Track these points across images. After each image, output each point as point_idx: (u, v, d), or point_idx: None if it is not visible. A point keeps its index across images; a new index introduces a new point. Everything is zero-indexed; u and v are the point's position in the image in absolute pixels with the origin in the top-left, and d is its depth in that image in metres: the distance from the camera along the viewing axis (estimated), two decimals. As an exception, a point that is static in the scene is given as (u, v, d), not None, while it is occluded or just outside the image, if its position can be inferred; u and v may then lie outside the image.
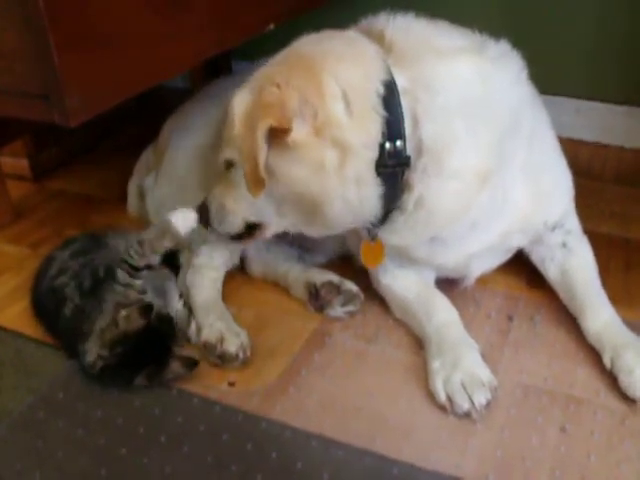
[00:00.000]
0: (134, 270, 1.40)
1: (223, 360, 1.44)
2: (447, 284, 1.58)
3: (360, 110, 1.23)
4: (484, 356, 1.38)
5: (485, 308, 1.59)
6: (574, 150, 2.19)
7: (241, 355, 1.44)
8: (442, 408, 1.32)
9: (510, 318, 1.56)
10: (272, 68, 1.29)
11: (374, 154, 1.25)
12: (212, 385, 1.41)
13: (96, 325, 1.36)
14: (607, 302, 1.47)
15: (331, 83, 1.23)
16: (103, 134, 2.57)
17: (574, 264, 1.54)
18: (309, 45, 1.32)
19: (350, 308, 1.58)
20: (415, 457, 1.23)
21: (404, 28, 1.31)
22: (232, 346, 1.44)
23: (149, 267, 1.42)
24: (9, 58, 1.16)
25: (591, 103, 2.29)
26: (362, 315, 1.59)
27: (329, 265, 1.73)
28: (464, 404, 1.28)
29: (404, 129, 1.25)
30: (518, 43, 1.36)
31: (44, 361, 1.48)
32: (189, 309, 1.55)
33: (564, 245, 1.55)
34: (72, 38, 1.12)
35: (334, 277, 1.61)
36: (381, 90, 1.24)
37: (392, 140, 1.25)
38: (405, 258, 1.51)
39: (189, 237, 1.48)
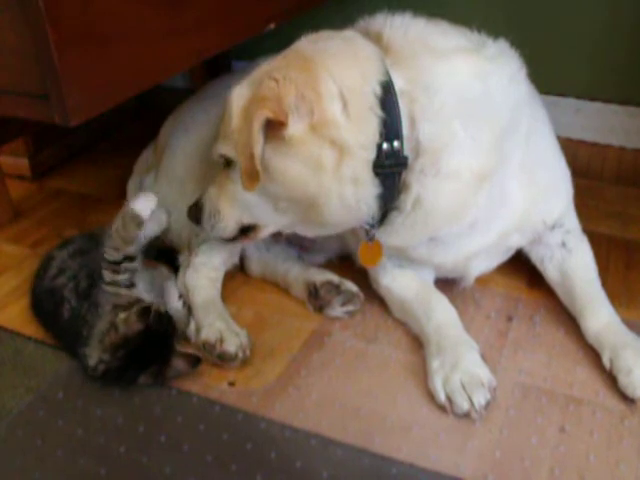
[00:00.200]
0: (115, 264, 1.40)
1: (222, 360, 1.44)
2: (446, 284, 1.58)
3: (357, 110, 1.23)
4: (483, 356, 1.38)
5: (485, 308, 1.59)
6: (574, 150, 2.20)
7: (240, 355, 1.44)
8: (441, 408, 1.32)
9: (509, 318, 1.56)
10: (271, 65, 1.29)
11: (371, 154, 1.25)
12: (212, 385, 1.41)
13: (95, 329, 1.36)
14: (607, 302, 1.47)
15: (328, 83, 1.23)
16: (103, 134, 2.57)
17: (573, 264, 1.54)
18: (308, 45, 1.32)
19: (350, 308, 1.58)
20: (414, 457, 1.23)
21: (402, 28, 1.31)
22: (231, 346, 1.44)
23: (129, 258, 1.42)
24: (9, 57, 1.16)
25: (591, 103, 2.29)
26: (362, 315, 1.59)
27: (328, 265, 1.73)
28: (464, 404, 1.28)
29: (401, 129, 1.26)
30: (519, 43, 1.36)
31: (44, 360, 1.48)
32: (188, 309, 1.55)
33: (563, 245, 1.55)
34: (72, 37, 1.12)
35: (334, 277, 1.61)
36: (378, 90, 1.24)
37: (389, 140, 1.25)
38: (404, 258, 1.51)
39: (153, 222, 1.49)
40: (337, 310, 1.58)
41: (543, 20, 2.23)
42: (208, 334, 1.46)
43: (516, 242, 1.54)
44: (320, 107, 1.22)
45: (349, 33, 1.34)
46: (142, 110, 2.69)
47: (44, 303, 1.52)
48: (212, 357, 1.44)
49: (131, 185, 1.98)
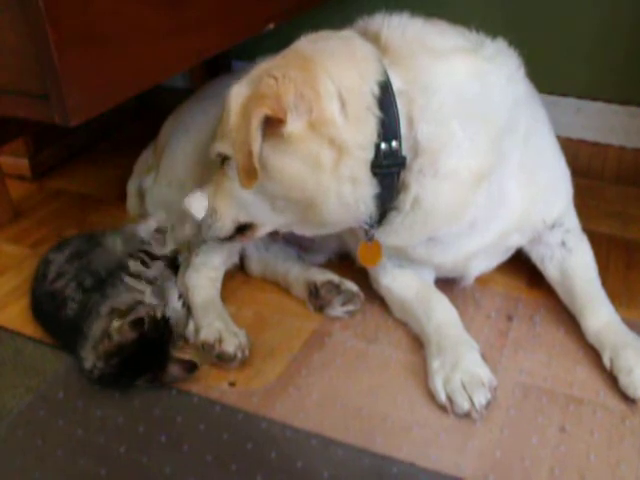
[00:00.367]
0: (151, 259, 1.40)
1: (221, 360, 1.44)
2: (446, 284, 1.58)
3: (355, 110, 1.23)
4: (484, 356, 1.38)
5: (485, 308, 1.59)
6: (574, 150, 2.20)
7: (239, 355, 1.44)
8: (442, 408, 1.32)
9: (510, 318, 1.56)
10: (270, 64, 1.29)
11: (370, 154, 1.25)
12: (212, 385, 1.41)
13: (91, 333, 1.37)
14: (607, 301, 1.47)
15: (327, 82, 1.23)
16: (103, 134, 2.57)
17: (573, 263, 1.54)
18: (307, 45, 1.32)
19: (350, 308, 1.58)
20: (415, 456, 1.23)
21: (399, 28, 1.31)
22: (230, 346, 1.44)
23: (165, 257, 1.42)
24: (9, 57, 1.16)
25: (591, 103, 2.29)
26: (362, 315, 1.59)
27: (328, 265, 1.73)
28: (464, 404, 1.28)
29: (399, 129, 1.25)
30: (518, 43, 1.36)
31: (44, 360, 1.48)
32: (188, 309, 1.55)
33: (563, 244, 1.55)
34: (72, 37, 1.11)
35: (334, 277, 1.61)
36: (376, 90, 1.24)
37: (387, 140, 1.25)
38: (404, 258, 1.51)
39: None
40: (337, 310, 1.58)
41: (542, 20, 2.23)
42: (207, 334, 1.46)
43: (516, 242, 1.54)
44: (319, 106, 1.22)
45: (347, 33, 1.34)
46: (142, 110, 2.69)
47: (45, 306, 1.52)
48: (211, 357, 1.44)
49: (131, 185, 1.98)
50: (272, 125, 1.21)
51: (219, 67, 2.70)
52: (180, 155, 1.71)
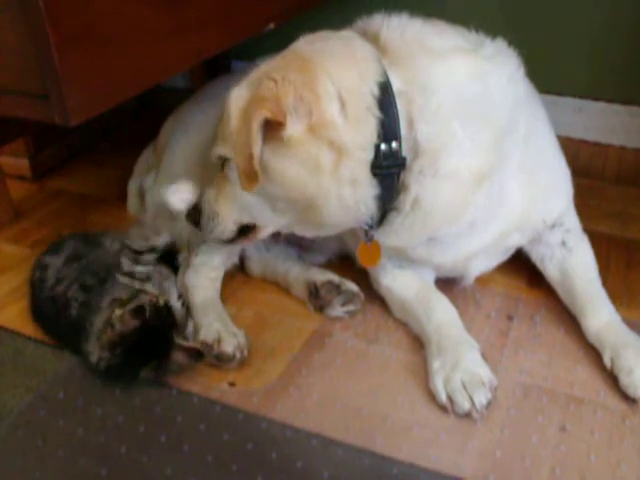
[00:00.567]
0: (137, 254, 1.40)
1: (220, 360, 1.44)
2: (447, 284, 1.58)
3: (355, 111, 1.23)
4: (484, 356, 1.38)
5: (485, 308, 1.59)
6: (575, 150, 2.20)
7: (238, 355, 1.44)
8: (442, 408, 1.32)
9: (510, 318, 1.56)
10: (270, 66, 1.29)
11: (369, 155, 1.25)
12: (212, 385, 1.41)
13: (94, 325, 1.36)
14: (607, 301, 1.47)
15: (327, 84, 1.23)
16: (103, 134, 2.57)
17: (574, 263, 1.54)
18: (306, 45, 1.32)
19: (350, 308, 1.58)
20: (415, 456, 1.23)
21: (399, 28, 1.31)
22: (229, 346, 1.44)
23: (152, 250, 1.42)
24: (9, 57, 1.16)
25: (591, 103, 2.29)
26: (362, 315, 1.59)
27: (329, 265, 1.73)
28: (465, 404, 1.28)
29: (399, 130, 1.25)
30: (518, 43, 1.36)
31: (44, 360, 1.48)
32: (187, 309, 1.55)
33: (564, 244, 1.55)
34: (72, 37, 1.11)
35: (334, 277, 1.61)
36: (376, 91, 1.23)
37: (387, 141, 1.25)
38: (404, 258, 1.51)
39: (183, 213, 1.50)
40: (338, 310, 1.58)
41: (542, 19, 2.23)
42: (206, 335, 1.46)
43: (516, 241, 1.54)
44: (318, 108, 1.21)
45: (347, 33, 1.34)
46: (142, 110, 2.69)
47: (46, 311, 1.51)
48: (210, 358, 1.44)
49: (131, 185, 1.98)
50: (272, 128, 1.21)
51: (219, 67, 2.71)
52: (180, 155, 1.71)
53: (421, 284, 1.54)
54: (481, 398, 1.28)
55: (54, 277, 1.51)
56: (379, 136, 1.24)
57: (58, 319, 1.46)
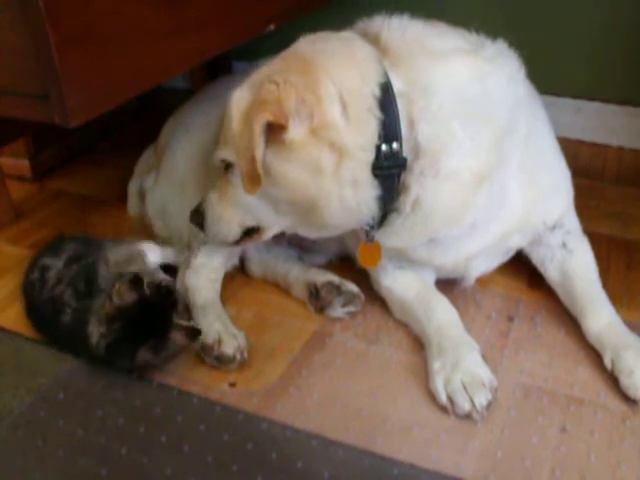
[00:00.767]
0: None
1: (220, 362, 1.44)
2: (447, 285, 1.58)
3: (356, 112, 1.23)
4: (484, 356, 1.38)
5: (485, 309, 1.59)
6: (574, 150, 2.20)
7: (238, 357, 1.44)
8: (442, 408, 1.32)
9: (510, 319, 1.56)
10: (271, 68, 1.29)
11: (370, 156, 1.25)
12: (212, 385, 1.41)
13: (96, 305, 1.37)
14: (607, 302, 1.47)
15: (328, 85, 1.23)
16: (103, 134, 2.57)
17: (574, 264, 1.54)
18: (306, 46, 1.32)
19: (350, 309, 1.58)
20: (415, 457, 1.23)
21: (399, 30, 1.31)
22: (229, 348, 1.44)
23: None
24: (9, 57, 1.16)
25: (591, 103, 2.30)
26: (362, 316, 1.59)
27: (329, 266, 1.73)
28: (465, 405, 1.28)
29: (400, 131, 1.25)
30: (518, 44, 1.36)
31: (44, 361, 1.48)
32: (187, 308, 1.55)
33: (564, 245, 1.55)
34: (72, 37, 1.12)
35: (334, 277, 1.61)
36: (377, 92, 1.24)
37: (388, 142, 1.25)
38: (405, 259, 1.51)
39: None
40: (338, 311, 1.58)
41: (542, 20, 2.24)
42: (206, 336, 1.46)
43: (516, 243, 1.54)
44: (320, 110, 1.22)
45: (347, 34, 1.34)
46: (142, 111, 2.69)
47: (44, 312, 1.51)
48: (210, 359, 1.44)
49: (132, 186, 1.98)
50: (274, 131, 1.22)
51: (219, 68, 2.71)
52: (181, 156, 1.71)
53: (421, 285, 1.54)
54: (481, 399, 1.28)
55: (55, 278, 1.50)
56: (380, 137, 1.24)
57: (55, 322, 1.46)
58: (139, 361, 1.36)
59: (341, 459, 1.24)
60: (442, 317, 1.46)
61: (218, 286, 1.65)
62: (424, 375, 1.39)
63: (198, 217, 1.46)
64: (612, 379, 1.35)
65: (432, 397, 1.34)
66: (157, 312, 1.36)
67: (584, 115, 2.31)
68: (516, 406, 1.33)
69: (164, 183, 1.75)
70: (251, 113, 1.21)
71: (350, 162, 1.24)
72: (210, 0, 1.42)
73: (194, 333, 1.39)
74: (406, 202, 1.31)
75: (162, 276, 1.51)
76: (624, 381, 1.32)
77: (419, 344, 1.48)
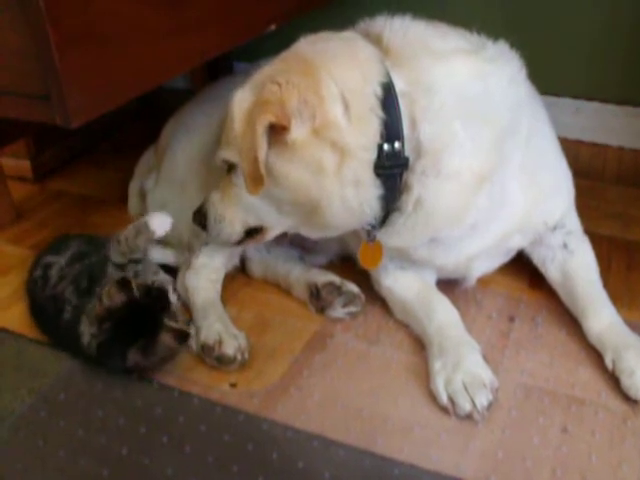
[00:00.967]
0: (119, 268, 1.42)
1: (221, 362, 1.44)
2: (448, 285, 1.58)
3: (358, 112, 1.23)
4: (485, 357, 1.38)
5: (486, 309, 1.59)
6: (574, 150, 2.20)
7: (239, 357, 1.44)
8: (443, 409, 1.32)
9: (511, 319, 1.56)
10: (273, 68, 1.29)
11: (372, 156, 1.25)
12: (213, 386, 1.41)
13: (87, 306, 1.38)
14: (608, 303, 1.47)
15: (330, 85, 1.23)
16: (104, 135, 2.57)
17: (575, 265, 1.54)
18: (307, 46, 1.32)
19: (351, 309, 1.58)
20: (416, 457, 1.23)
21: (401, 30, 1.32)
22: (230, 348, 1.43)
23: (134, 261, 1.46)
24: (9, 58, 1.16)
25: (591, 103, 2.30)
26: (363, 316, 1.59)
27: (330, 266, 1.73)
28: (466, 405, 1.28)
29: (402, 130, 1.26)
30: (518, 44, 1.36)
31: (45, 362, 1.48)
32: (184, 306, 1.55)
33: (565, 246, 1.55)
34: (73, 37, 1.11)
35: (335, 278, 1.61)
36: (379, 92, 1.24)
37: (390, 141, 1.25)
38: (406, 259, 1.51)
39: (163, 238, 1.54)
40: (339, 311, 1.58)
41: (542, 21, 2.24)
42: (207, 336, 1.46)
43: (517, 243, 1.54)
44: (322, 110, 1.22)
45: (348, 34, 1.35)
46: (143, 111, 2.69)
47: (47, 309, 1.51)
48: (210, 360, 1.44)
49: (132, 187, 1.98)
50: (276, 132, 1.22)
51: (220, 69, 2.71)
52: (181, 157, 1.71)
53: (422, 285, 1.54)
54: (482, 399, 1.28)
55: (57, 275, 1.51)
56: (382, 136, 1.24)
57: (56, 320, 1.46)
58: (129, 362, 1.35)
59: (342, 459, 1.24)
60: (443, 317, 1.46)
61: (219, 286, 1.65)
62: (425, 375, 1.39)
63: (201, 218, 1.46)
64: (613, 379, 1.35)
65: (433, 397, 1.34)
66: (147, 314, 1.36)
67: (584, 115, 2.31)
68: (517, 406, 1.33)
69: (165, 183, 1.75)
70: (253, 114, 1.21)
71: (352, 162, 1.24)
72: (210, 0, 1.42)
73: (183, 336, 1.38)
74: (408, 202, 1.31)
75: (161, 276, 1.52)
76: (625, 381, 1.32)
77: (420, 344, 1.48)
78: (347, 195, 1.27)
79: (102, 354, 1.36)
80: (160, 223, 1.46)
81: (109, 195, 2.17)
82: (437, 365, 1.36)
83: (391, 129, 1.24)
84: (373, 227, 1.36)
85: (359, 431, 1.29)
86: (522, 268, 1.64)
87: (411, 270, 1.54)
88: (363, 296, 1.59)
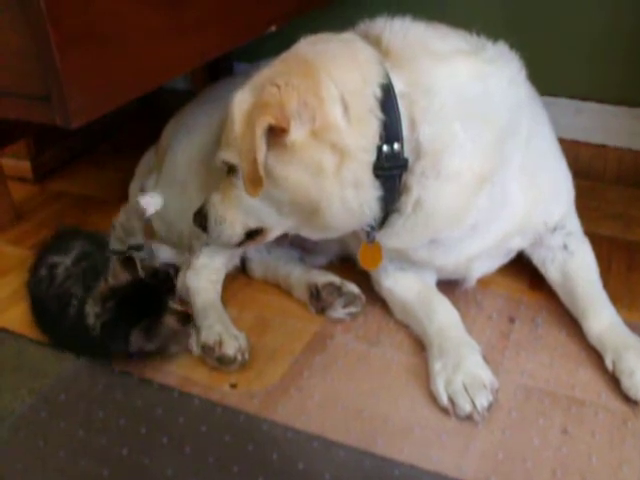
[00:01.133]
0: (120, 254, 1.43)
1: (221, 363, 1.44)
2: (448, 286, 1.58)
3: (358, 113, 1.23)
4: (485, 358, 1.38)
5: (487, 310, 1.59)
6: (575, 151, 2.19)
7: (239, 358, 1.44)
8: (443, 410, 1.32)
9: (512, 320, 1.56)
10: (272, 70, 1.29)
11: (372, 157, 1.25)
12: (214, 386, 1.41)
13: (94, 290, 1.39)
14: (608, 304, 1.47)
15: (330, 87, 1.23)
16: (104, 135, 2.57)
17: (575, 266, 1.54)
18: (307, 47, 1.32)
19: (352, 310, 1.58)
20: (416, 458, 1.23)
21: (401, 31, 1.32)
22: (230, 349, 1.44)
23: (135, 247, 1.47)
24: (10, 58, 1.16)
25: (592, 104, 2.29)
26: (364, 317, 1.59)
27: (330, 267, 1.73)
28: (466, 406, 1.28)
29: (401, 131, 1.26)
30: (519, 45, 1.36)
31: (46, 362, 1.48)
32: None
33: (565, 247, 1.55)
34: (73, 37, 1.11)
35: (335, 278, 1.61)
36: (378, 93, 1.24)
37: (390, 143, 1.25)
38: (406, 260, 1.51)
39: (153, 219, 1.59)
40: (339, 312, 1.58)
41: (543, 21, 2.23)
42: (207, 337, 1.46)
43: (517, 244, 1.54)
44: (322, 112, 1.22)
45: (348, 35, 1.35)
46: (144, 112, 2.69)
47: (50, 309, 1.50)
48: (211, 360, 1.44)
49: (133, 187, 1.98)
50: (276, 134, 1.22)
51: (221, 69, 2.70)
52: (182, 157, 1.71)
53: (422, 286, 1.54)
54: (482, 400, 1.28)
55: (63, 275, 1.50)
56: (381, 138, 1.24)
57: (60, 318, 1.46)
58: (132, 344, 1.35)
59: (342, 460, 1.24)
60: (443, 318, 1.46)
61: (219, 287, 1.65)
62: (425, 376, 1.39)
63: (201, 219, 1.46)
64: (613, 380, 1.35)
65: (433, 398, 1.34)
66: (152, 294, 1.37)
67: (584, 116, 2.30)
68: (517, 407, 1.33)
69: (165, 184, 1.75)
70: (253, 116, 1.21)
71: (351, 163, 1.24)
72: (210, 1, 1.42)
73: (186, 318, 1.40)
74: (407, 203, 1.31)
75: (162, 261, 1.53)
76: (625, 382, 1.32)
77: (420, 345, 1.48)
78: (347, 196, 1.27)
79: (105, 334, 1.36)
80: (150, 201, 1.49)
81: (109, 196, 2.17)
82: (437, 366, 1.36)
83: (390, 130, 1.24)
84: (372, 228, 1.36)
85: (359, 432, 1.29)
86: (522, 269, 1.64)
87: (411, 271, 1.54)
88: (363, 297, 1.59)
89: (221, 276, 1.67)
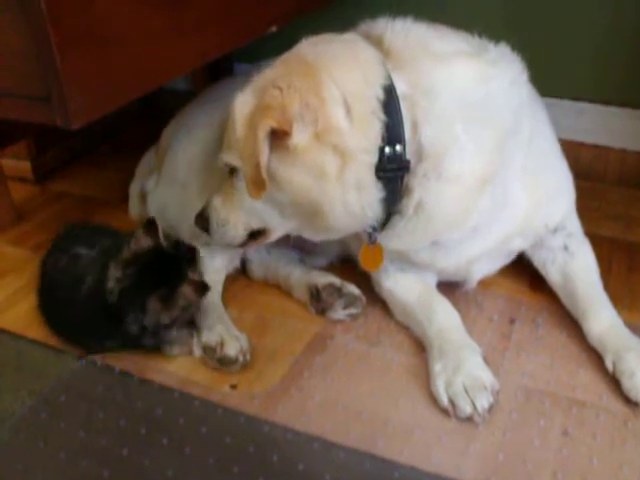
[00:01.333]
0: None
1: (222, 364, 1.44)
2: (449, 287, 1.58)
3: (360, 115, 1.23)
4: (486, 359, 1.38)
5: (487, 311, 1.59)
6: (576, 152, 2.19)
7: (241, 359, 1.44)
8: (444, 411, 1.32)
9: (512, 321, 1.56)
10: (274, 71, 1.29)
11: (374, 159, 1.25)
12: (214, 387, 1.41)
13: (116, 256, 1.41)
14: (609, 305, 1.47)
15: (332, 88, 1.23)
16: (105, 136, 2.57)
17: (575, 267, 1.54)
18: (308, 48, 1.32)
19: (352, 311, 1.58)
20: (416, 460, 1.23)
21: (403, 32, 1.31)
22: (232, 350, 1.44)
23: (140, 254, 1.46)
24: (10, 59, 1.16)
25: (593, 105, 2.29)
26: (364, 318, 1.59)
27: (330, 268, 1.73)
28: (466, 407, 1.28)
29: (404, 133, 1.25)
30: (520, 46, 1.36)
31: (46, 363, 1.48)
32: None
33: (565, 248, 1.54)
34: (74, 38, 1.11)
35: (336, 279, 1.61)
36: (381, 95, 1.23)
37: (392, 144, 1.25)
38: (406, 262, 1.51)
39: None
40: (339, 313, 1.58)
41: (544, 22, 2.23)
42: (208, 338, 1.46)
43: (518, 245, 1.54)
44: (324, 114, 1.21)
45: (349, 36, 1.34)
46: (144, 112, 2.69)
47: (64, 283, 1.50)
48: (212, 361, 1.44)
49: (133, 188, 1.98)
50: (278, 137, 1.21)
51: (221, 70, 2.70)
52: (182, 158, 1.71)
53: (423, 287, 1.54)
54: (483, 402, 1.28)
55: (83, 266, 1.49)
56: (383, 139, 1.24)
57: (75, 290, 1.45)
58: (149, 314, 1.37)
59: (342, 462, 1.24)
60: (443, 320, 1.46)
61: (219, 288, 1.65)
62: (425, 377, 1.39)
63: (203, 221, 1.46)
64: (614, 381, 1.35)
65: (433, 400, 1.34)
66: (172, 264, 1.40)
67: (586, 117, 2.30)
68: (518, 409, 1.33)
69: (165, 185, 1.75)
70: (255, 119, 1.21)
71: (354, 165, 1.24)
72: (211, 1, 1.42)
73: (203, 289, 1.41)
74: (409, 205, 1.31)
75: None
76: (626, 383, 1.32)
77: (420, 346, 1.48)
78: (349, 198, 1.26)
79: (123, 301, 1.37)
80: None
81: (110, 196, 2.17)
82: (437, 367, 1.36)
83: (392, 132, 1.24)
84: (374, 229, 1.36)
85: (359, 433, 1.29)
86: (523, 270, 1.64)
87: (412, 272, 1.54)
88: (364, 298, 1.59)
89: (221, 277, 1.67)
